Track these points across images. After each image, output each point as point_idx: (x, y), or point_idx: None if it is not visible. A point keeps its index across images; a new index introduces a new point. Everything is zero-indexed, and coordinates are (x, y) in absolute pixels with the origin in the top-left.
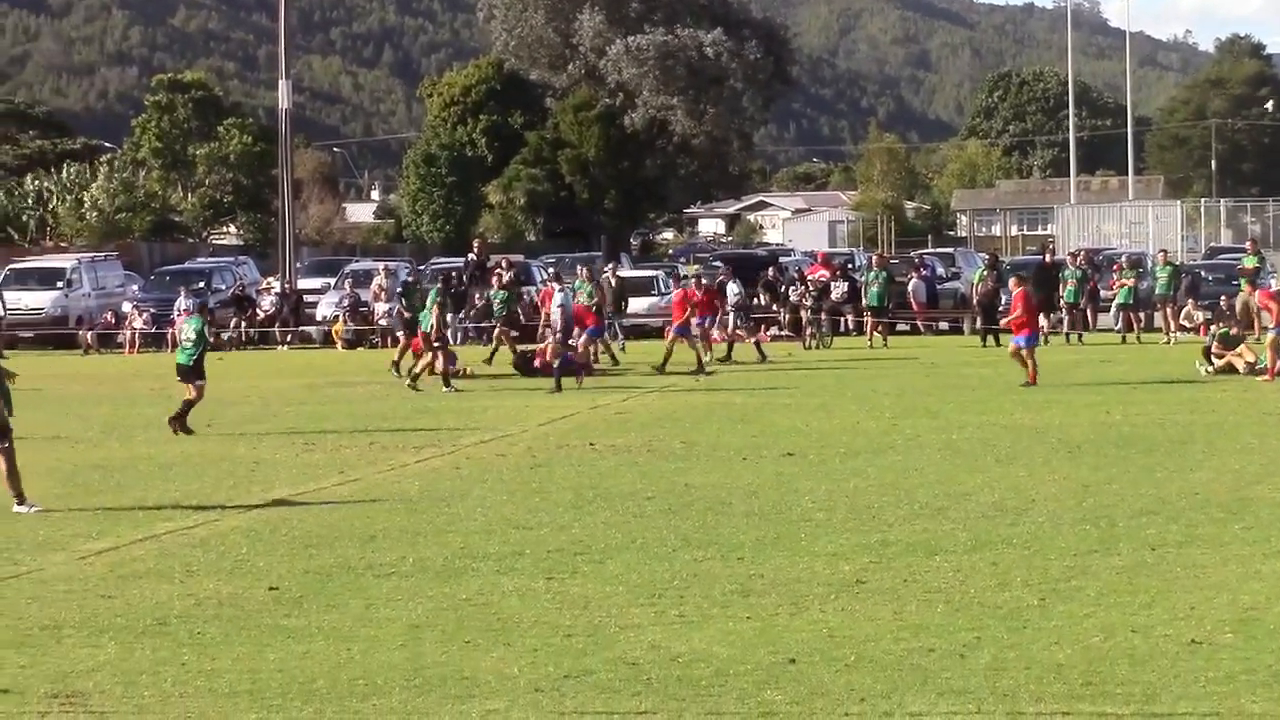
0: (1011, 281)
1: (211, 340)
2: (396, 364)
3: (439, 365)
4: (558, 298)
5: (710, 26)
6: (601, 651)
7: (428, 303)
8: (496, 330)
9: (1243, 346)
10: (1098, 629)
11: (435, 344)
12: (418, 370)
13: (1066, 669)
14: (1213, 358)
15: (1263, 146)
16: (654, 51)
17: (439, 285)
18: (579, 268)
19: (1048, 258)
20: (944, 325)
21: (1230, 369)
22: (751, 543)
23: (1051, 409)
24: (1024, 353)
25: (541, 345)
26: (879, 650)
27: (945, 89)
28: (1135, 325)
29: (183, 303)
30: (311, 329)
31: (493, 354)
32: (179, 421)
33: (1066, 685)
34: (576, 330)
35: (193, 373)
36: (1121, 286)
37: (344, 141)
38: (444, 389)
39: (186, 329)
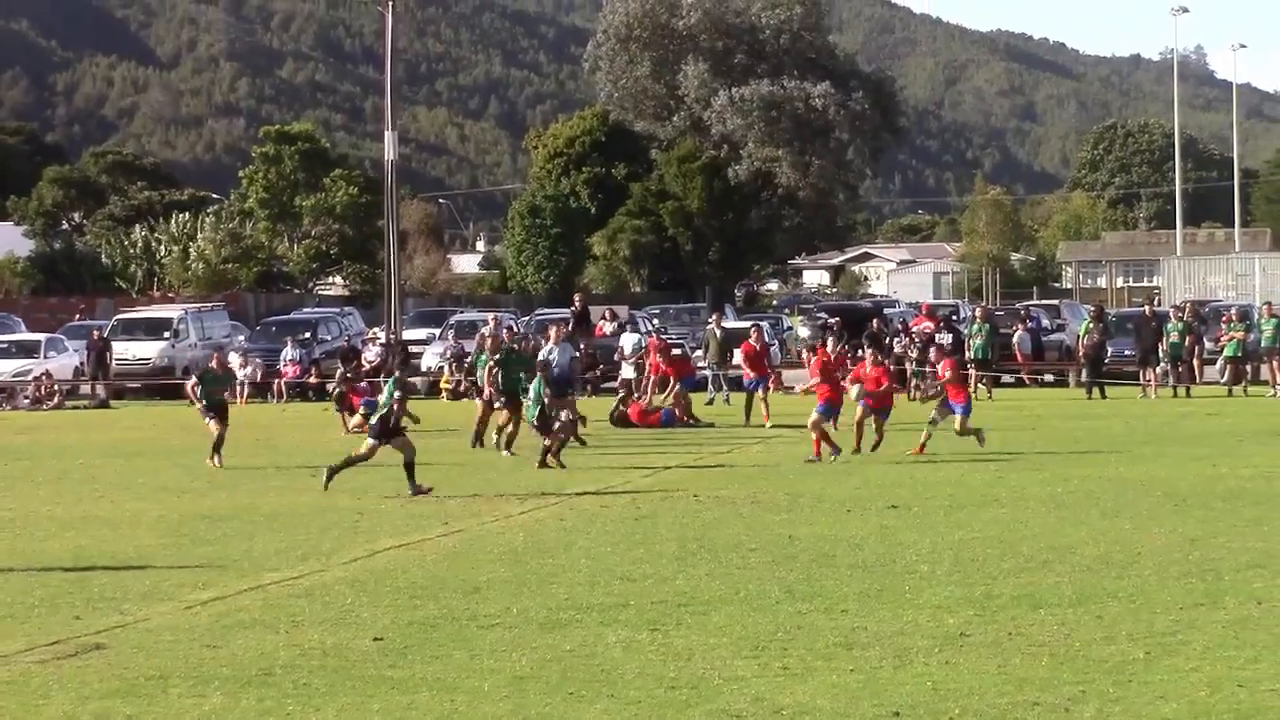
0: (933, 351)
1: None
2: (483, 436)
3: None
4: (551, 354)
5: (817, 79)
6: (705, 704)
7: (534, 388)
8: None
9: None
10: (1203, 683)
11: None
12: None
13: None
14: None
15: None
16: (758, 103)
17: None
18: (550, 329)
19: (1149, 310)
20: (1049, 378)
21: None
22: (855, 595)
23: (1157, 462)
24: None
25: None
26: (983, 704)
27: (1050, 140)
28: (1243, 378)
29: (289, 353)
30: (416, 379)
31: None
32: (412, 484)
33: None
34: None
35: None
36: (1230, 339)
37: (449, 193)
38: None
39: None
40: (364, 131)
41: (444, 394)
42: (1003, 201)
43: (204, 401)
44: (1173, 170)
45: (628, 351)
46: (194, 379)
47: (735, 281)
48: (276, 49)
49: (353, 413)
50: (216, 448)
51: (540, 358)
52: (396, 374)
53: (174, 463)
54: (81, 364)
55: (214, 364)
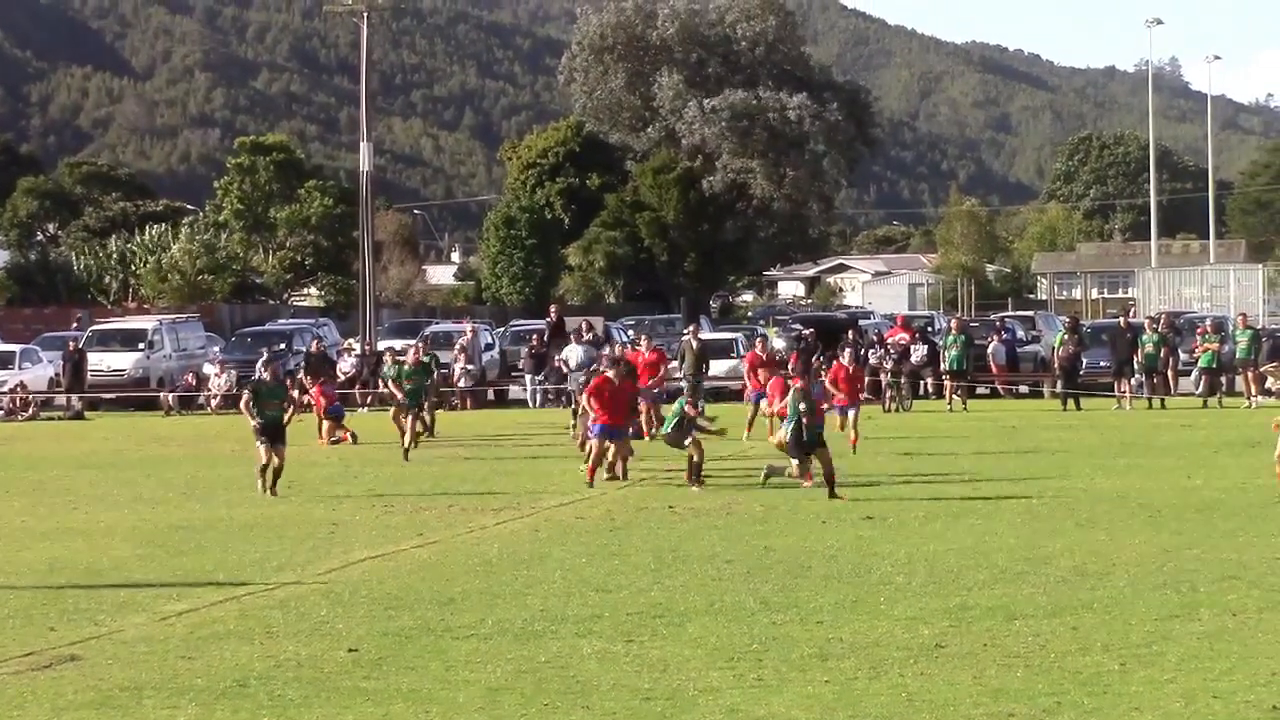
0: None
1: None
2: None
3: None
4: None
5: (792, 90)
6: (680, 715)
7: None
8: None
9: None
10: (1178, 695)
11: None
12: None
13: None
14: None
15: None
16: (729, 113)
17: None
18: (582, 334)
19: (1124, 321)
20: (1024, 389)
21: None
22: (830, 606)
23: (1132, 473)
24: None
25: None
26: (958, 715)
27: (1026, 152)
28: (1218, 390)
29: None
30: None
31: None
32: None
33: None
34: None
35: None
36: (1205, 351)
37: (425, 204)
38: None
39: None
40: (339, 142)
41: None
42: (977, 213)
43: (259, 420)
44: (1147, 182)
45: (573, 364)
46: (247, 394)
47: (711, 292)
48: (251, 60)
49: (339, 419)
50: (264, 472)
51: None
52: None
53: (149, 474)
54: (57, 375)
55: (267, 375)
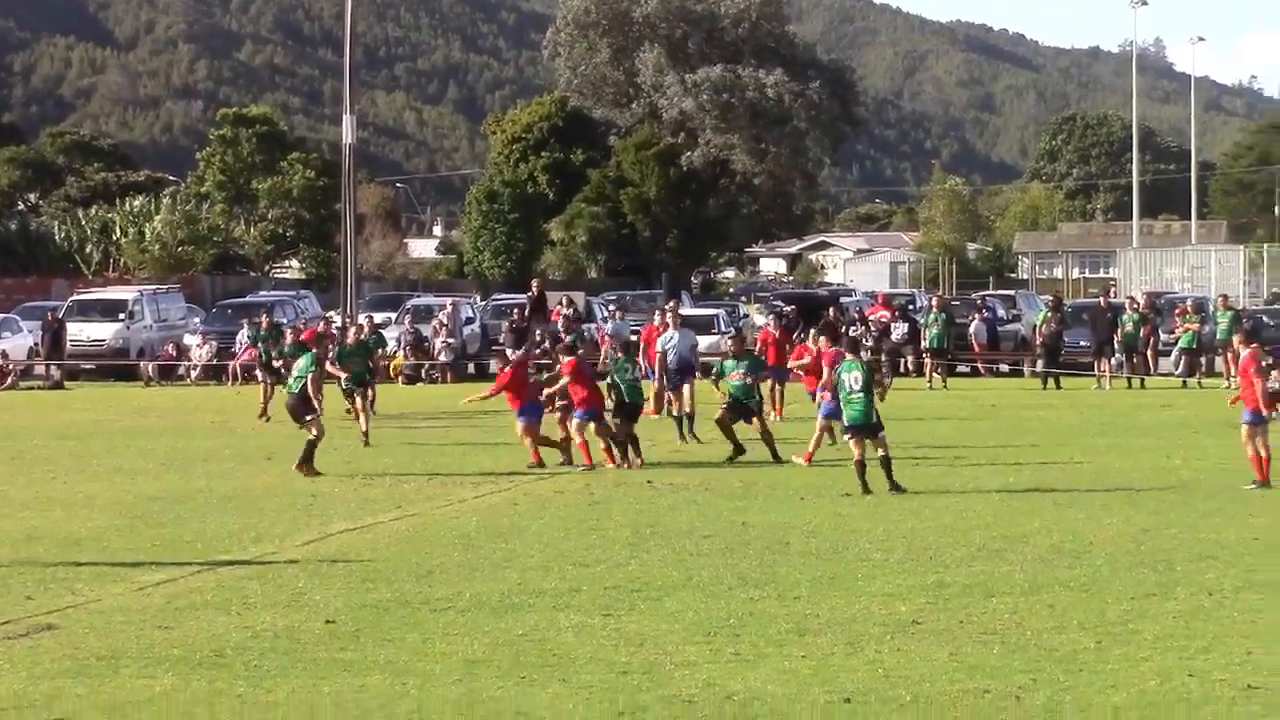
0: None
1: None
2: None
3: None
4: (671, 341)
5: (774, 67)
6: (657, 689)
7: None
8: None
9: None
10: (1154, 673)
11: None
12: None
13: (1123, 712)
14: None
15: None
16: (710, 88)
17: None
18: (667, 315)
19: (1104, 301)
20: (1004, 367)
21: None
22: (808, 582)
23: (1110, 453)
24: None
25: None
26: (934, 691)
27: (1009, 131)
28: (1197, 370)
29: (245, 336)
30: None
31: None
32: (306, 465)
33: None
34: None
35: (303, 408)
36: (1185, 331)
37: (407, 177)
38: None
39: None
40: (322, 115)
41: (399, 378)
42: (960, 192)
43: (348, 379)
44: (1130, 162)
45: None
46: (332, 354)
47: (692, 269)
48: (235, 31)
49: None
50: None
51: (659, 347)
52: (314, 348)
53: (128, 444)
54: (36, 345)
55: (349, 339)
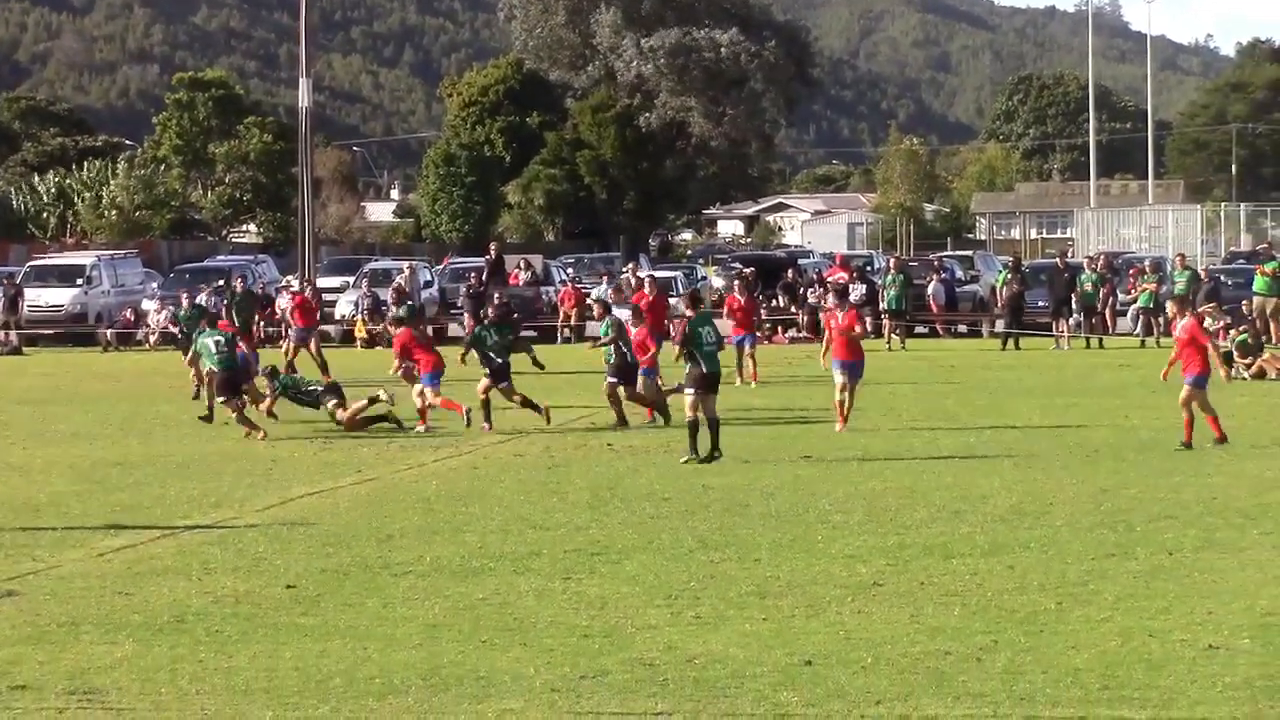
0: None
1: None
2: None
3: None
4: None
5: (729, 27)
6: (618, 652)
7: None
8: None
9: (1269, 354)
10: (1115, 633)
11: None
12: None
13: (1083, 673)
14: (1237, 363)
15: None
16: (666, 50)
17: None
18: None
19: (1061, 261)
20: (962, 328)
21: (1262, 374)
22: (768, 544)
23: (1069, 413)
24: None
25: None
26: (895, 653)
27: (966, 92)
28: (1155, 330)
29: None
30: (330, 328)
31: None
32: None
33: (1083, 689)
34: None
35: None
36: (1143, 291)
37: (364, 141)
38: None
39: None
40: (278, 78)
41: (358, 342)
42: (917, 152)
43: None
44: (1087, 122)
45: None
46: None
47: (650, 231)
48: None
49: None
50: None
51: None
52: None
53: (87, 410)
54: None
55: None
